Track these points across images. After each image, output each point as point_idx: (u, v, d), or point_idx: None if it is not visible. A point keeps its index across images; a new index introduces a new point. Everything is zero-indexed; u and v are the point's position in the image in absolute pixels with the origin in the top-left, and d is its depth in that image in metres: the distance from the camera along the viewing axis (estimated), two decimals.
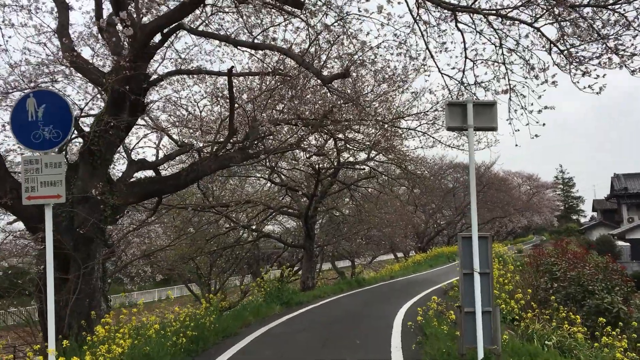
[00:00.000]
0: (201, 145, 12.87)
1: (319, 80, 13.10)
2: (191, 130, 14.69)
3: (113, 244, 10.28)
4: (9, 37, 11.34)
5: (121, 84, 8.53)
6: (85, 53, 12.83)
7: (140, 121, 14.49)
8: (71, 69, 10.35)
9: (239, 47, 9.54)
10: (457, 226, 55.69)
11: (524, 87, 8.90)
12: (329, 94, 12.98)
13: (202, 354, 8.65)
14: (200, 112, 14.10)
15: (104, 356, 6.12)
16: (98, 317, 9.34)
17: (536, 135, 8.67)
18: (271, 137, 12.78)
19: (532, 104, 8.76)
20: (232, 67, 9.50)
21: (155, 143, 14.72)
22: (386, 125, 13.41)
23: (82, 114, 10.42)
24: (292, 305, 14.84)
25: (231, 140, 12.00)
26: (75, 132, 8.91)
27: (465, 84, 10.21)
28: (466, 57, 9.79)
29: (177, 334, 8.09)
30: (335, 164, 19.51)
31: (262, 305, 13.69)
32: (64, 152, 9.54)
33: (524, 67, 9.25)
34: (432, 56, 9.07)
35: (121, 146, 13.29)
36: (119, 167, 12.52)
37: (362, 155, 20.50)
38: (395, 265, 38.57)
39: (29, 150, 5.98)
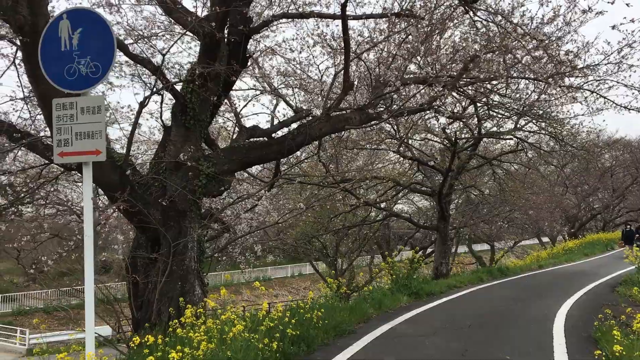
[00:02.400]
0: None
1: (451, 36, 10.74)
2: (311, 95, 13.13)
3: (210, 217, 8.89)
4: None
5: (208, 23, 6.95)
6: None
7: (250, 82, 13.19)
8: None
9: None
10: (615, 210, 49.32)
11: None
12: (469, 45, 10.53)
13: (304, 358, 6.93)
14: (322, 74, 12.45)
15: None
16: (191, 303, 8.05)
17: None
18: (396, 96, 10.69)
19: None
20: (346, 0, 7.52)
21: (268, 108, 13.35)
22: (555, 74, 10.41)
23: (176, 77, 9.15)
24: (422, 297, 12.70)
25: (354, 106, 10.13)
26: (160, 84, 7.52)
27: None
28: None
29: (271, 334, 6.42)
30: (476, 134, 16.81)
31: (387, 296, 11.72)
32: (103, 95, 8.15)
33: None
34: None
35: (232, 112, 12.12)
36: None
37: (508, 125, 17.55)
38: (542, 252, 34.49)
39: (62, 90, 4.51)
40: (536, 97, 14.77)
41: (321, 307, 8.12)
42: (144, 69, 8.82)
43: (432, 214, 28.92)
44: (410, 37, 9.80)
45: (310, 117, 10.64)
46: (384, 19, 9.82)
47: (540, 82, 12.80)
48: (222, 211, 9.82)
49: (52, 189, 12.01)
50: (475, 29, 8.59)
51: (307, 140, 8.55)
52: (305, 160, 16.23)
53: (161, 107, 8.59)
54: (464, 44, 9.58)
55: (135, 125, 7.12)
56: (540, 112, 15.68)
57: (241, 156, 8.42)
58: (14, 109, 9.41)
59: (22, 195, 9.49)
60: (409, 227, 38.31)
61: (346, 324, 8.76)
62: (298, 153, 16.49)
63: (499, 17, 7.78)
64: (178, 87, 8.28)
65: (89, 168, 4.47)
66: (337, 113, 8.91)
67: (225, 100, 10.87)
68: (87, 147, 4.39)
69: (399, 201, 26.57)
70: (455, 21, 9.54)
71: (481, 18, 8.07)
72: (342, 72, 8.62)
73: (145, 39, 9.44)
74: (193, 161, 7.79)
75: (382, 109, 10.52)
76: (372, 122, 9.58)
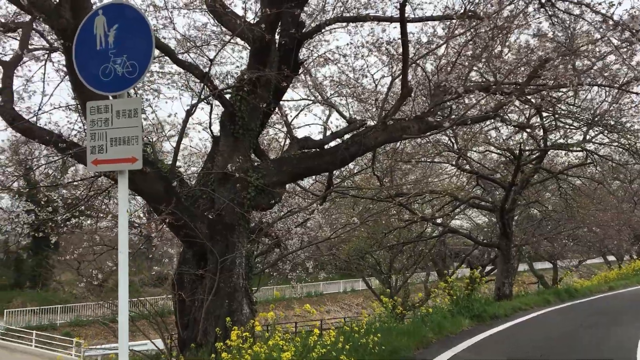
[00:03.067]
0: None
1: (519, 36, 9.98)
2: (365, 105, 12.65)
3: (259, 231, 8.44)
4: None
5: (258, 26, 6.55)
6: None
7: (302, 93, 12.82)
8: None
9: None
10: None
11: None
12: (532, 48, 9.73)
13: None
14: (376, 84, 11.96)
15: None
16: (239, 323, 7.59)
17: None
18: (455, 106, 10.03)
19: None
20: (405, 0, 6.96)
21: (321, 119, 12.91)
22: None
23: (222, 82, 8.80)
24: (486, 320, 11.81)
25: (412, 115, 9.52)
26: (207, 91, 7.14)
27: None
28: None
29: None
30: (542, 145, 15.77)
31: (447, 318, 10.93)
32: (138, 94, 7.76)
33: None
34: None
35: (283, 123, 11.73)
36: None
37: (577, 136, 16.37)
38: (610, 273, 32.43)
39: (97, 92, 4.14)
40: (607, 106, 13.72)
41: (377, 332, 7.48)
42: (194, 77, 8.55)
43: (491, 230, 27.69)
44: (473, 39, 9.14)
45: (365, 127, 10.11)
46: (443, 23, 9.23)
47: (614, 90, 11.90)
48: (272, 225, 9.36)
49: (107, 201, 11.90)
50: (551, 25, 7.79)
51: (361, 150, 8.00)
52: (359, 173, 15.65)
53: (210, 117, 8.27)
54: (536, 44, 8.83)
55: (182, 134, 6.79)
56: (612, 122, 14.54)
57: (291, 167, 7.95)
58: (68, 120, 9.35)
59: (70, 208, 9.33)
60: (465, 244, 36.76)
61: (404, 349, 8.08)
62: (351, 165, 15.98)
63: (579, 10, 6.98)
64: (227, 95, 7.94)
65: (124, 177, 4.06)
66: (394, 121, 8.32)
67: (277, 110, 10.51)
68: (122, 154, 3.99)
69: (456, 217, 25.47)
70: (523, 21, 8.79)
71: (561, 10, 7.27)
72: (400, 77, 8.04)
73: (198, 49, 9.20)
74: (241, 172, 7.38)
75: (440, 118, 9.86)
76: (432, 132, 8.93)
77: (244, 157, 7.59)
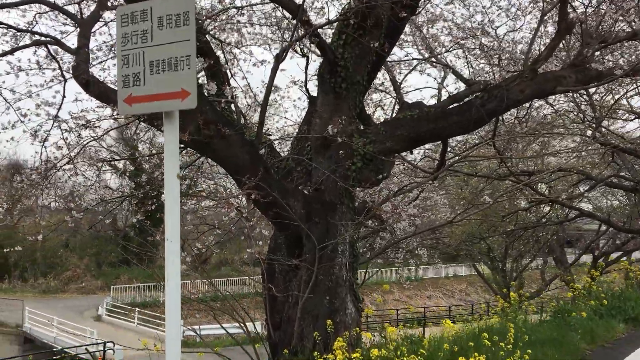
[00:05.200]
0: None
1: None
2: (487, 65, 10.71)
3: (366, 212, 6.84)
4: None
5: None
6: None
7: (411, 52, 11.01)
8: None
9: None
10: None
11: None
12: None
13: None
14: (500, 40, 9.99)
15: None
16: (342, 325, 6.11)
17: None
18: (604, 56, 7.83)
19: None
20: None
21: (436, 80, 11.02)
22: None
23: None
24: None
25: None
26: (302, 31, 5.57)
27: None
28: None
29: None
30: None
31: (593, 321, 8.78)
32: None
33: None
34: None
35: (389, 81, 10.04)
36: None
37: None
38: None
39: None
40: None
41: (526, 346, 5.63)
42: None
43: (623, 212, 24.25)
44: None
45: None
46: None
47: None
48: (383, 204, 7.73)
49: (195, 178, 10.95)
50: None
51: (503, 106, 6.10)
52: (476, 147, 13.55)
53: (305, 73, 6.73)
54: None
55: (270, 87, 5.31)
56: None
57: (407, 130, 6.23)
58: None
59: (154, 185, 8.29)
60: (579, 229, 33.12)
61: None
62: (459, 138, 13.99)
63: None
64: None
65: (172, 123, 2.60)
66: (544, 70, 6.35)
67: (382, 71, 8.82)
68: (167, 85, 2.52)
69: (583, 198, 22.49)
70: None
71: None
72: (555, 11, 6.04)
73: None
74: (345, 136, 5.79)
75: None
76: (593, 84, 6.83)
77: (347, 118, 6.01)
